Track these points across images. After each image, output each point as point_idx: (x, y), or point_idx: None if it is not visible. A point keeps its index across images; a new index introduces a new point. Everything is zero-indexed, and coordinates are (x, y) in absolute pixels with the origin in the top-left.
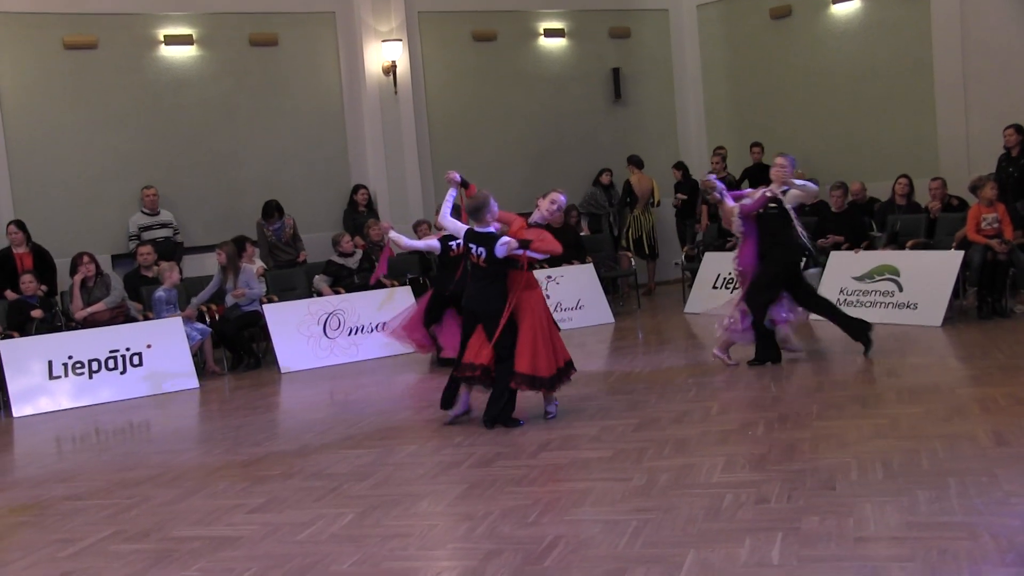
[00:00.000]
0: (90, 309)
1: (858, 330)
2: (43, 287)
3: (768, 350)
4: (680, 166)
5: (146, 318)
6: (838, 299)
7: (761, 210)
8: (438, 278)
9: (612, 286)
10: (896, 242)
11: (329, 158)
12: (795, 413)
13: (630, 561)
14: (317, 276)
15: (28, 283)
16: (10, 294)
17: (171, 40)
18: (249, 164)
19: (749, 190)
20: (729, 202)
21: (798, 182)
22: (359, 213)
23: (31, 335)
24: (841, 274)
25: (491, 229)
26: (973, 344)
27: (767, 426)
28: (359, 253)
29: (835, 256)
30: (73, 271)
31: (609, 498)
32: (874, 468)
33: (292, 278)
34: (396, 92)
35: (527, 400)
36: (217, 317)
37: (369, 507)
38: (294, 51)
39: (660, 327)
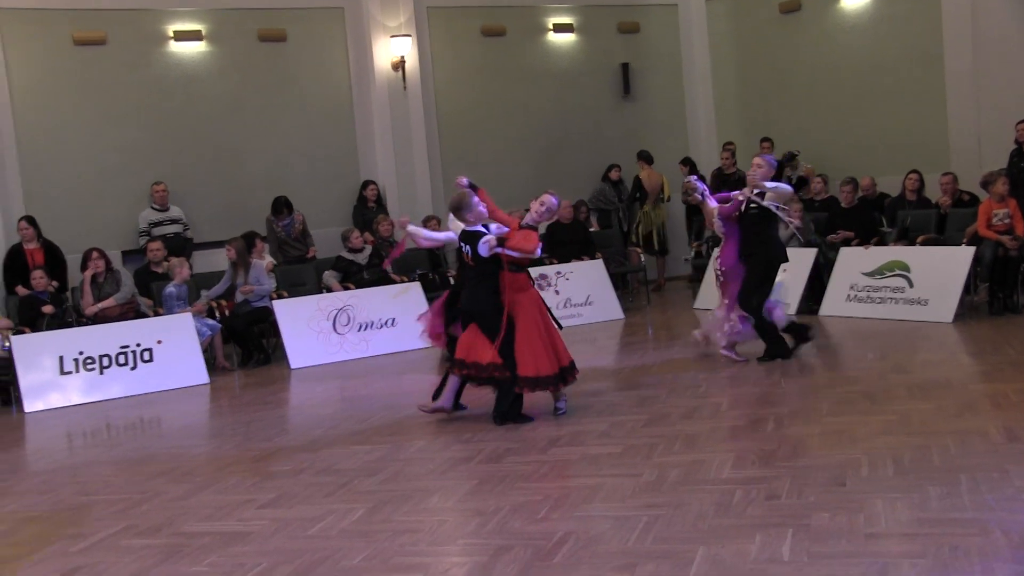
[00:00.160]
0: (100, 305)
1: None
2: (54, 283)
3: (777, 346)
4: (687, 161)
5: (156, 314)
6: (848, 295)
7: (742, 211)
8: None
9: (622, 282)
10: (906, 238)
11: (338, 154)
12: (805, 409)
13: (640, 557)
14: (327, 272)
15: (39, 279)
16: (21, 290)
17: (180, 36)
18: (258, 160)
19: (735, 192)
20: (711, 203)
21: (769, 184)
22: (368, 209)
23: (42, 331)
24: (851, 270)
25: (479, 228)
26: (984, 340)
27: (777, 422)
28: (368, 249)
29: (845, 252)
30: (83, 267)
31: (619, 494)
32: (884, 464)
33: (302, 274)
34: (405, 87)
35: (536, 396)
36: (227, 313)
37: (379, 503)
38: (303, 47)
39: (670, 323)
